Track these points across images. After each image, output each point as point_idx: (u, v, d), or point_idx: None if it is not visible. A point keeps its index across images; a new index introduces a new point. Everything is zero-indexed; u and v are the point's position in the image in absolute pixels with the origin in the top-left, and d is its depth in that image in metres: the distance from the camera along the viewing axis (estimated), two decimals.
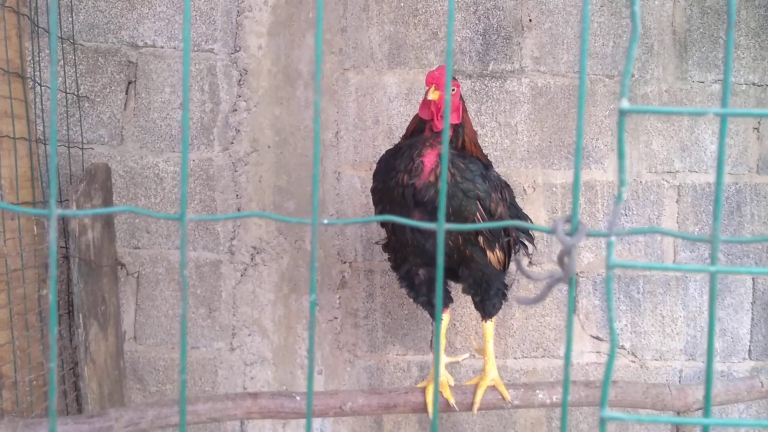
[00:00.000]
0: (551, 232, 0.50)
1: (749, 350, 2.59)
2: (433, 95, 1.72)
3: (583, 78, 0.58)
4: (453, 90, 1.76)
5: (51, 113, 0.54)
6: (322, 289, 2.50)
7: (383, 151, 2.50)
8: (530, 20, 2.53)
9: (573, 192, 0.51)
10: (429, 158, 1.72)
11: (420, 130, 1.82)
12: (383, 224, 1.97)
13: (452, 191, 1.71)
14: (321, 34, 0.63)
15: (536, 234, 2.54)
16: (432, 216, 1.71)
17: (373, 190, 1.92)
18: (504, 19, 2.52)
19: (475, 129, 1.86)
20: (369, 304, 2.51)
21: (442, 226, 0.51)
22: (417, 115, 1.87)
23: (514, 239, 1.99)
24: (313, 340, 0.55)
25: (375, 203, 1.93)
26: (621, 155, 0.46)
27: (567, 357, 0.52)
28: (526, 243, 2.15)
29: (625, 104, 0.45)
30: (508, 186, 2.04)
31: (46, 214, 0.54)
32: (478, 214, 1.75)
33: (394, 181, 1.76)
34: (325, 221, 0.56)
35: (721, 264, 2.59)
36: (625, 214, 2.57)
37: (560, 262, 0.48)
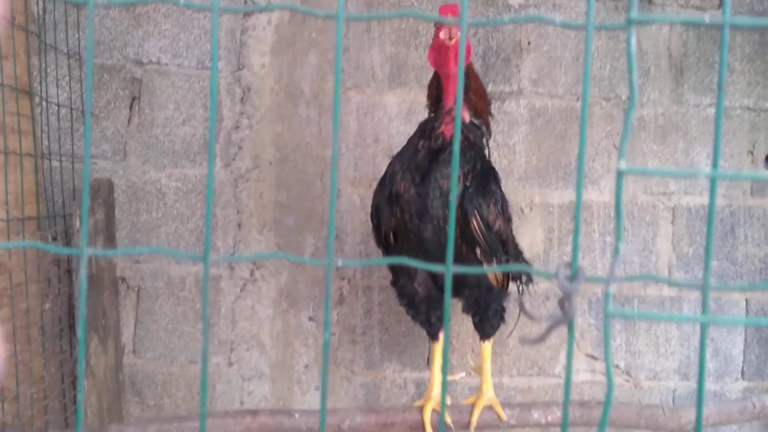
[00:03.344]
0: (553, 276, 0.53)
1: (742, 370, 2.62)
2: (448, 39, 1.65)
3: (584, 114, 0.61)
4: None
5: (84, 149, 0.57)
6: (320, 306, 2.52)
7: (383, 169, 2.53)
8: (529, 43, 2.57)
9: (573, 238, 0.54)
10: (447, 131, 1.76)
11: (438, 98, 1.83)
12: (378, 230, 1.95)
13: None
14: (340, 54, 0.66)
15: (534, 253, 2.57)
16: (441, 178, 1.74)
17: (376, 193, 1.92)
18: (503, 42, 2.56)
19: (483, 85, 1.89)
20: (366, 320, 2.54)
21: (449, 269, 0.54)
22: (434, 79, 1.89)
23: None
24: (329, 343, 0.58)
25: (374, 208, 1.92)
26: (618, 213, 0.49)
27: (566, 397, 0.55)
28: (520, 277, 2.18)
29: (623, 165, 0.48)
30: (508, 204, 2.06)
31: (78, 254, 0.57)
32: (474, 221, 1.76)
33: (413, 149, 1.78)
34: (339, 262, 0.58)
35: (716, 297, 2.61)
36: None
37: (561, 305, 0.51)
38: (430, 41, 2.54)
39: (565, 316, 0.52)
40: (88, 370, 2.09)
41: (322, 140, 2.52)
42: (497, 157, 2.55)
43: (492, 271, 0.63)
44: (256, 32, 2.51)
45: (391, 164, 1.88)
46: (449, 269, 0.55)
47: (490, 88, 2.55)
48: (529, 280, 2.23)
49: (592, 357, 2.59)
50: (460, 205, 1.75)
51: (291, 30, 2.51)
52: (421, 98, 2.51)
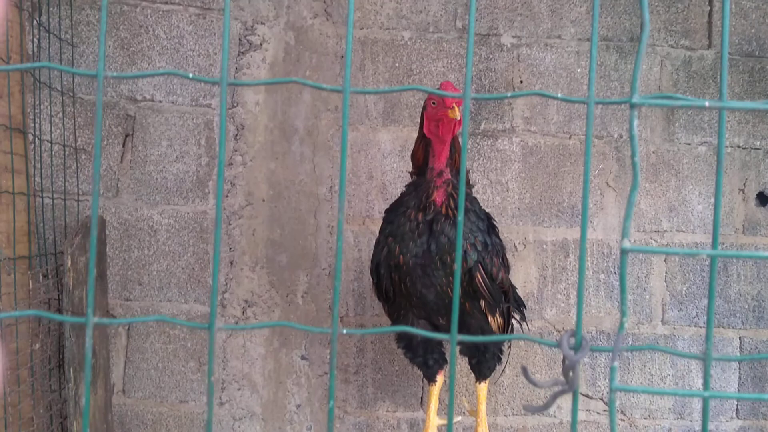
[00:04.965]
0: (556, 346, 0.52)
1: (737, 409, 2.60)
2: (457, 114, 1.74)
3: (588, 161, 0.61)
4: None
5: (93, 206, 0.56)
6: (312, 344, 2.50)
7: (376, 206, 2.55)
8: (521, 82, 2.59)
9: (577, 310, 0.54)
10: (439, 197, 1.77)
11: (426, 161, 1.84)
12: (379, 287, 1.96)
13: (452, 221, 1.76)
14: (347, 126, 0.66)
15: (528, 290, 2.57)
16: (438, 254, 1.75)
17: (379, 241, 1.92)
18: (496, 81, 2.58)
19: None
20: (359, 359, 2.52)
21: (454, 338, 0.53)
22: (420, 144, 1.90)
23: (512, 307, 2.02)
24: (334, 378, 0.56)
25: (377, 260, 1.92)
26: (623, 288, 0.49)
27: None
28: (516, 317, 2.19)
29: (627, 244, 0.48)
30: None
31: (83, 322, 0.56)
32: (479, 275, 1.78)
33: (404, 219, 1.79)
34: (344, 331, 0.58)
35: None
36: (614, 272, 2.60)
37: (565, 375, 0.51)
38: (423, 79, 2.56)
39: (570, 386, 0.51)
40: (77, 411, 2.06)
41: (316, 177, 2.52)
42: (490, 195, 2.56)
43: (496, 340, 0.63)
44: (250, 70, 2.52)
45: (384, 230, 1.90)
46: (454, 337, 0.55)
47: (482, 126, 2.57)
48: (523, 318, 2.23)
49: (587, 396, 2.57)
50: (464, 261, 1.78)
51: (286, 68, 2.53)
52: (415, 135, 2.53)
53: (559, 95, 0.54)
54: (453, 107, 1.72)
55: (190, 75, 0.62)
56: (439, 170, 1.78)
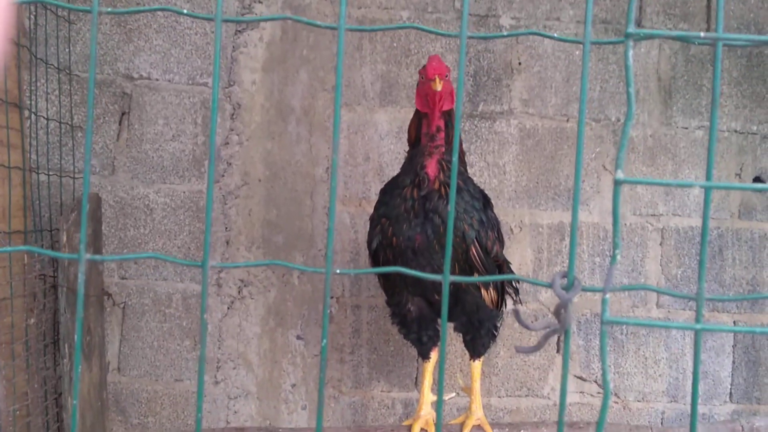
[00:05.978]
0: (549, 286, 0.53)
1: (730, 393, 2.62)
2: (437, 86, 1.73)
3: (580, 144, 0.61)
4: (446, 76, 1.79)
5: (85, 147, 0.56)
6: (308, 324, 2.51)
7: (372, 188, 2.54)
8: (520, 63, 2.59)
9: (570, 249, 0.54)
10: (431, 168, 1.76)
11: (418, 138, 1.85)
12: (375, 259, 1.96)
13: (446, 201, 1.75)
14: (341, 64, 0.66)
15: (523, 272, 2.57)
16: (435, 237, 1.75)
17: (373, 219, 1.92)
18: (494, 62, 2.58)
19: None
20: (355, 339, 2.52)
21: (447, 278, 0.53)
22: (414, 119, 1.90)
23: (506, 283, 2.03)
24: (326, 349, 0.57)
25: (371, 237, 1.92)
26: (615, 220, 0.49)
27: (562, 405, 0.54)
28: (510, 292, 2.19)
29: (620, 175, 0.48)
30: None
31: (76, 258, 0.56)
32: (473, 249, 1.78)
33: (400, 199, 1.79)
34: (338, 271, 0.58)
35: (705, 318, 2.62)
36: (610, 256, 2.61)
37: (557, 314, 0.51)
38: (422, 60, 2.56)
39: (562, 325, 0.51)
40: (72, 387, 2.07)
41: (312, 158, 2.52)
42: (487, 177, 2.56)
43: (484, 280, 0.63)
44: (247, 49, 2.51)
45: (378, 209, 1.90)
46: (446, 278, 0.55)
47: (480, 108, 2.57)
48: (517, 293, 2.24)
49: (581, 378, 2.58)
50: (462, 241, 1.78)
51: (283, 47, 2.52)
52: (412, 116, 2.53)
53: (555, 35, 0.54)
54: (435, 78, 1.71)
55: (185, 11, 0.62)
56: (431, 134, 1.78)
